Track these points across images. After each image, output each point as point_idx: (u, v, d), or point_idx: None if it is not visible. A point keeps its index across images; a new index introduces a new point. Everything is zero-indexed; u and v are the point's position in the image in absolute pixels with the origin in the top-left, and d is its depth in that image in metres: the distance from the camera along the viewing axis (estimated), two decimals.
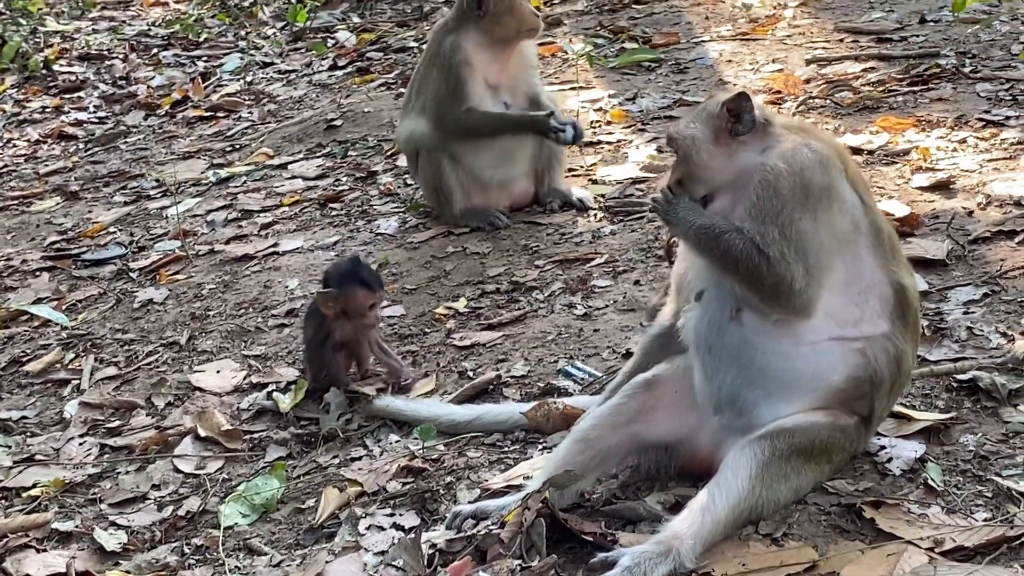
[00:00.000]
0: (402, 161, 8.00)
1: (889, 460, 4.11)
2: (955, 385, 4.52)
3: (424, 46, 7.51)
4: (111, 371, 6.03)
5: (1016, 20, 8.83)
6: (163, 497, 4.91)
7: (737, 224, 3.95)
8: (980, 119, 7.07)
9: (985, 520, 3.79)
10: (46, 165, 10.02)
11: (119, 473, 5.13)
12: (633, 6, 11.07)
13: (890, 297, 4.04)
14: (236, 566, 4.33)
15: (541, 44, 9.07)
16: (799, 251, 3.90)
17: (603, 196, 6.93)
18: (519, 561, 3.83)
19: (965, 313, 5.00)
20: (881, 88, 7.88)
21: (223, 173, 8.75)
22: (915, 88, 7.81)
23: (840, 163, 4.06)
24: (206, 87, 11.59)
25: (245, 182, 8.50)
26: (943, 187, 6.22)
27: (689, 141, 4.10)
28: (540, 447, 4.64)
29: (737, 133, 4.05)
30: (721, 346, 4.06)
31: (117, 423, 5.55)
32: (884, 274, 4.05)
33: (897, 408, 4.33)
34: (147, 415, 5.57)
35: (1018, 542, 3.66)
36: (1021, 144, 6.61)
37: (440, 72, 6.84)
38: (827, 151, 4.04)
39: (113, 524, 4.77)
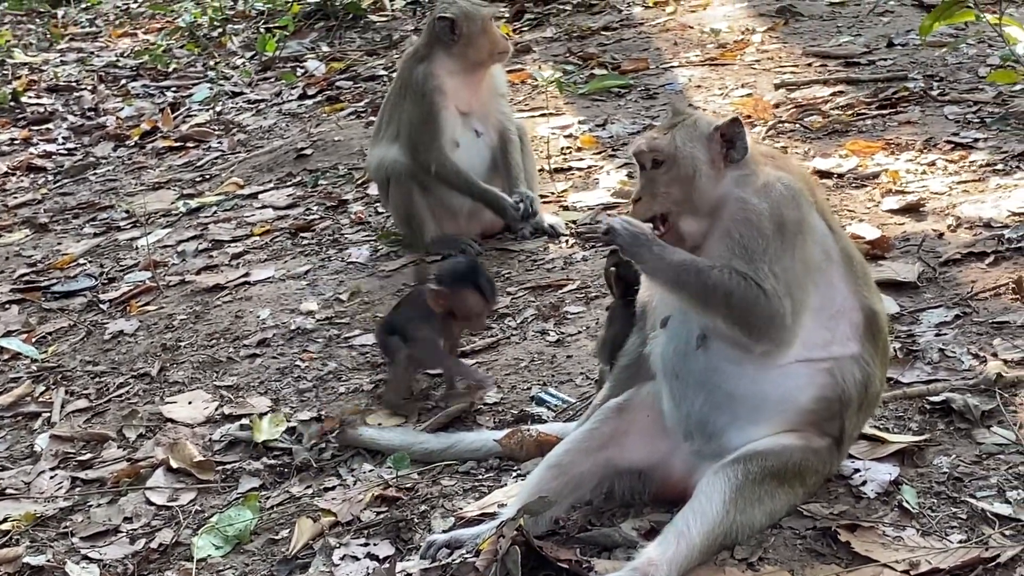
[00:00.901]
0: (373, 190, 7.98)
1: (863, 483, 4.12)
2: (928, 407, 4.53)
3: (394, 74, 7.51)
4: (82, 403, 5.99)
5: (983, 43, 8.88)
6: (135, 530, 4.87)
7: (719, 262, 3.94)
8: (949, 141, 7.11)
9: (960, 542, 3.81)
10: (15, 197, 9.95)
11: (91, 506, 5.08)
12: (602, 33, 11.09)
13: (860, 321, 4.06)
14: None
15: (510, 71, 9.09)
16: (786, 286, 3.91)
17: (574, 222, 6.93)
18: None
19: (937, 335, 5.02)
20: (850, 112, 7.92)
21: (193, 203, 8.71)
22: (884, 111, 7.85)
23: (809, 194, 4.08)
24: (175, 117, 11.56)
25: (215, 212, 8.47)
26: (913, 210, 6.25)
27: (691, 161, 4.05)
28: (514, 475, 4.63)
29: (732, 160, 4.06)
30: (688, 372, 4.07)
31: (88, 456, 5.50)
32: (855, 300, 4.06)
33: (871, 431, 4.34)
34: (118, 447, 5.52)
35: (994, 563, 3.66)
36: (990, 166, 6.65)
37: (412, 101, 6.84)
38: (798, 184, 4.06)
39: (85, 558, 4.72)
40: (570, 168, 7.85)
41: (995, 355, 4.78)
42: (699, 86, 9.12)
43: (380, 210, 7.66)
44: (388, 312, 5.73)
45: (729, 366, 4.01)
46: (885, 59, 9.01)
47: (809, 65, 9.19)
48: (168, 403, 5.77)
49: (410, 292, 5.68)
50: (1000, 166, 6.64)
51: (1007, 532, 3.82)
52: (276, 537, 4.60)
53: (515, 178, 6.92)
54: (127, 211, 8.87)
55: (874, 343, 4.10)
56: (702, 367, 4.04)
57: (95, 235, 8.57)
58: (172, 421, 5.60)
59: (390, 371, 5.49)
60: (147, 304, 7.03)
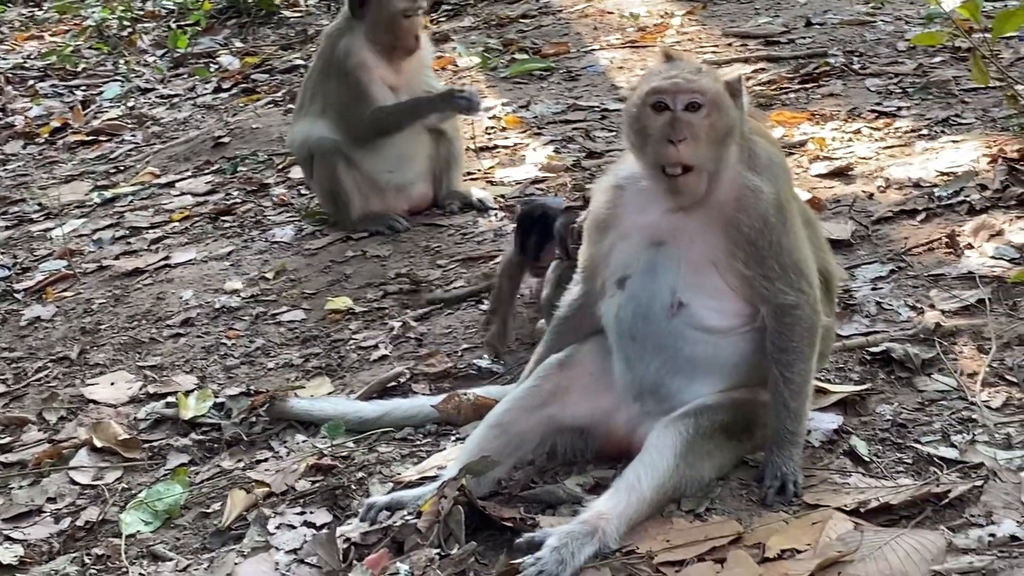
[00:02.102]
0: (295, 174, 7.85)
1: (808, 432, 4.06)
2: (868, 358, 4.52)
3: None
4: None
5: (900, 20, 8.96)
6: (60, 510, 4.70)
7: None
8: (872, 111, 7.15)
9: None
10: None
11: (12, 488, 4.90)
12: (520, 20, 11.04)
13: (819, 282, 4.02)
14: (140, 573, 4.14)
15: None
16: (802, 274, 3.89)
17: (503, 196, 6.85)
18: (437, 550, 3.71)
19: (873, 289, 5.01)
20: (773, 87, 7.93)
21: (108, 194, 8.49)
22: (806, 85, 7.88)
23: None
24: (86, 114, 11.31)
25: (132, 201, 8.27)
26: (841, 174, 6.26)
27: (730, 111, 3.86)
28: (453, 439, 4.53)
29: None
30: (646, 335, 3.97)
31: (8, 439, 5.31)
32: (815, 259, 4.03)
33: (813, 382, 4.29)
34: (39, 430, 5.35)
35: (944, 501, 3.62)
36: (915, 132, 6.68)
37: (337, 78, 6.71)
38: (780, 152, 4.02)
39: (8, 538, 4.55)
40: (496, 146, 7.78)
41: (932, 306, 4.78)
42: (621, 67, 9.09)
43: (303, 192, 7.53)
44: None
45: (696, 332, 3.94)
46: (804, 37, 9.05)
47: (729, 45, 9.20)
48: (89, 385, 5.61)
49: None
50: (925, 131, 6.67)
51: (954, 475, 3.79)
52: (208, 511, 4.46)
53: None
54: (40, 204, 8.64)
55: (828, 300, 4.11)
56: (664, 331, 3.95)
57: (7, 227, 8.33)
58: (94, 402, 5.44)
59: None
60: (64, 291, 6.83)
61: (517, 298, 5.35)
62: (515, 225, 5.29)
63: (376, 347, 5.42)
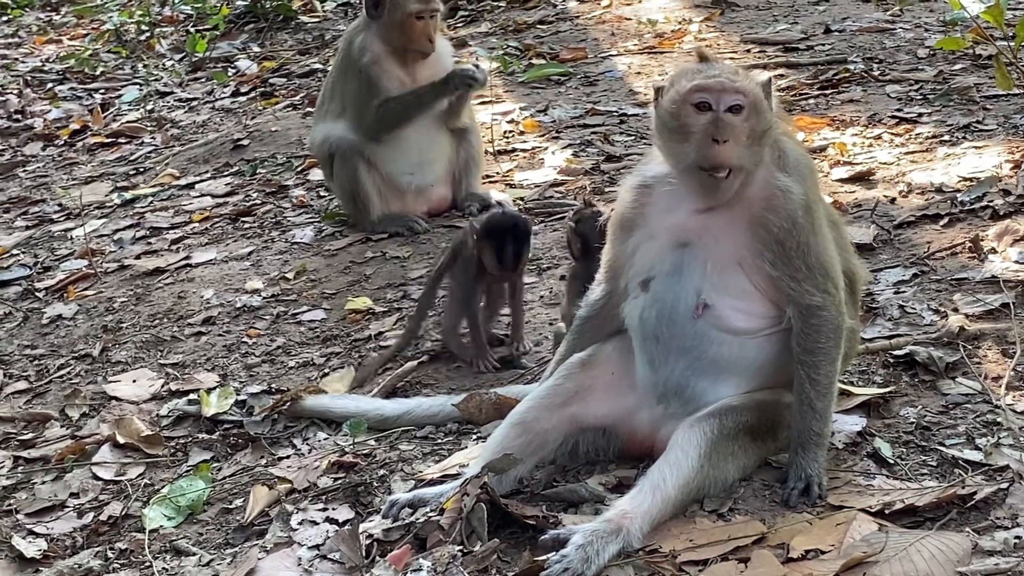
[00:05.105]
0: (314, 175, 7.87)
1: (832, 434, 4.06)
2: (891, 361, 4.50)
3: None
4: (21, 385, 5.82)
5: (919, 27, 8.95)
6: (83, 504, 4.73)
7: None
8: (893, 117, 7.14)
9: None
10: None
11: (35, 484, 4.92)
12: (538, 26, 11.06)
13: (844, 283, 4.02)
14: (163, 568, 4.15)
15: None
16: (828, 275, 3.89)
17: (522, 199, 6.85)
18: (460, 547, 3.71)
19: (896, 293, 5.00)
20: (792, 93, 7.93)
21: (128, 195, 8.53)
22: (826, 92, 7.88)
23: None
24: (105, 117, 11.35)
25: (151, 202, 8.30)
26: (863, 178, 6.25)
27: (769, 115, 3.86)
28: (474, 438, 4.53)
29: None
30: (671, 337, 3.96)
31: (30, 435, 5.34)
32: (841, 263, 4.03)
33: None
34: (61, 426, 5.37)
35: (970, 503, 3.61)
36: (936, 138, 6.68)
37: (352, 73, 6.74)
38: (807, 154, 4.03)
39: (31, 532, 4.58)
40: (514, 150, 7.79)
41: (956, 310, 4.76)
42: (639, 73, 9.10)
43: (323, 194, 7.55)
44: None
45: (720, 334, 3.93)
46: (823, 44, 9.05)
47: (748, 51, 9.21)
48: (111, 382, 5.63)
49: None
50: (946, 137, 6.66)
51: (979, 477, 3.78)
52: (230, 506, 4.47)
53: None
54: (60, 204, 8.67)
55: (853, 302, 4.11)
56: (690, 333, 3.94)
57: (27, 228, 8.36)
58: (116, 399, 5.46)
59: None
60: (85, 290, 6.85)
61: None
62: (481, 238, 5.18)
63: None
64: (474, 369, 5.13)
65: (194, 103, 11.21)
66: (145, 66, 12.97)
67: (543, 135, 7.99)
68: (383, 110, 6.67)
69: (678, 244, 3.96)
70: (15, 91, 13.26)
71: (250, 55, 12.54)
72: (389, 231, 6.69)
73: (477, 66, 6.76)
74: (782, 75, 8.40)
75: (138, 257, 7.18)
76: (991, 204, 5.56)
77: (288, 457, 4.68)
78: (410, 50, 6.73)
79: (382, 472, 4.38)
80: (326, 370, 5.40)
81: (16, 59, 14.98)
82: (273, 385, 5.28)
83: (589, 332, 4.29)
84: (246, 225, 7.38)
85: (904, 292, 4.98)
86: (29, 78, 13.68)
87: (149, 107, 11.26)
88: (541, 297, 5.60)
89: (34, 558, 4.40)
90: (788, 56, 8.88)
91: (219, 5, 13.97)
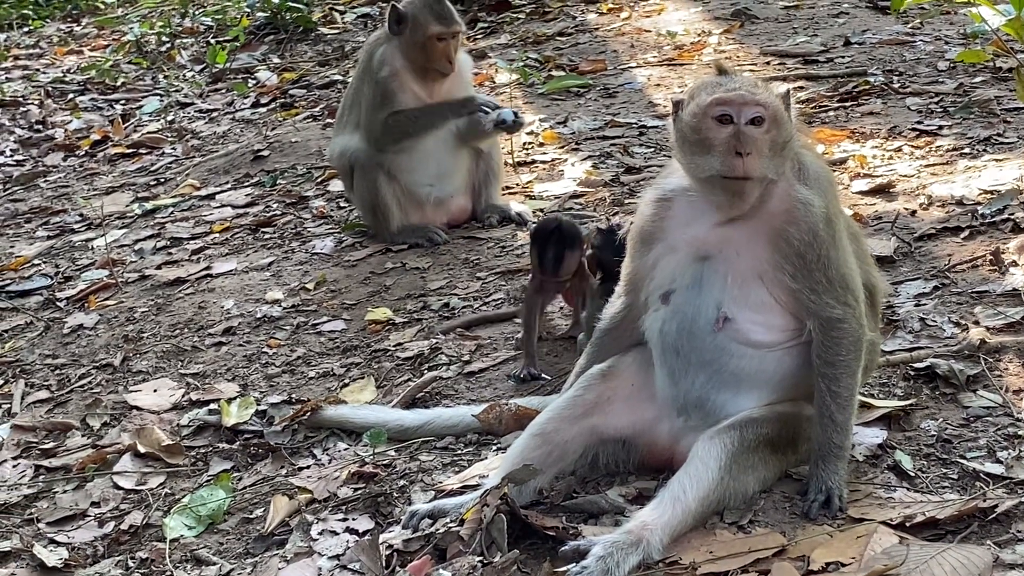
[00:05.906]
0: (334, 187, 7.90)
1: (852, 447, 4.05)
2: (912, 374, 4.50)
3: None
4: (43, 395, 5.84)
5: (939, 40, 8.94)
6: (103, 514, 4.75)
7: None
8: (913, 129, 7.13)
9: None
10: None
11: (56, 492, 4.95)
12: (557, 38, 11.07)
13: (865, 296, 4.02)
14: None
15: None
16: (848, 287, 3.89)
17: (542, 211, 6.86)
18: (480, 558, 3.71)
19: (917, 305, 4.99)
20: (812, 105, 7.93)
21: (149, 205, 8.57)
22: (845, 104, 7.87)
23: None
24: (126, 127, 11.40)
25: (172, 213, 8.33)
26: (883, 191, 6.24)
27: (790, 127, 3.87)
28: (494, 448, 4.54)
29: None
30: (691, 350, 3.97)
31: (52, 444, 5.36)
32: (862, 275, 4.03)
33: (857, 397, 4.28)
34: (82, 435, 5.39)
35: (990, 517, 3.61)
36: (957, 150, 6.66)
37: (369, 85, 6.75)
38: (826, 166, 4.02)
39: (52, 541, 4.60)
40: (533, 161, 7.80)
41: (977, 322, 4.75)
42: (658, 84, 9.11)
43: (343, 205, 7.57)
44: None
45: (741, 347, 3.94)
46: (843, 56, 9.04)
47: (768, 63, 9.20)
48: (132, 391, 5.65)
49: None
50: (967, 150, 6.65)
51: (1000, 490, 3.77)
52: (251, 516, 4.49)
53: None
54: (81, 215, 8.71)
55: (873, 314, 4.12)
56: (710, 346, 3.95)
57: (48, 238, 8.40)
58: (137, 408, 5.48)
59: None
60: (107, 299, 6.88)
61: (544, 322, 5.40)
62: (530, 242, 5.27)
63: (416, 358, 5.43)
64: (518, 374, 5.12)
65: (214, 114, 11.26)
66: (166, 77, 13.04)
67: (563, 147, 8.00)
68: (391, 122, 6.68)
69: (698, 257, 3.97)
70: (36, 102, 13.33)
71: (270, 66, 12.59)
72: (409, 242, 6.70)
73: (516, 113, 6.72)
74: (802, 87, 8.40)
75: (159, 267, 7.21)
76: (1012, 217, 5.54)
77: (308, 467, 4.69)
78: (430, 69, 6.75)
79: (402, 483, 4.39)
80: (346, 380, 5.41)
81: (37, 70, 15.06)
82: (293, 395, 5.30)
83: (609, 344, 4.30)
84: (266, 236, 7.41)
85: (925, 305, 4.97)
86: (50, 89, 13.76)
87: (169, 118, 11.31)
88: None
89: (55, 567, 4.42)
90: (808, 68, 8.87)
91: (239, 17, 14.06)
